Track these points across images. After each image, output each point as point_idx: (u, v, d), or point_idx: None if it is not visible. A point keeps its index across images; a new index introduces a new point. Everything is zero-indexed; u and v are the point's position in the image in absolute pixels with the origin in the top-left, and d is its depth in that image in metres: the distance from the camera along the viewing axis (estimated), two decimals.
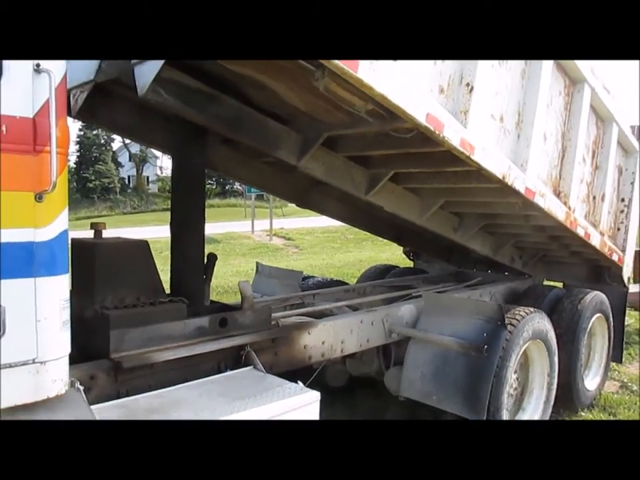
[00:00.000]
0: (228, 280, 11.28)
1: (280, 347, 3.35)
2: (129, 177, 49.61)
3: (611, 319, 5.37)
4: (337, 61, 2.25)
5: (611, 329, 5.40)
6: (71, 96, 2.53)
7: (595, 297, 5.09)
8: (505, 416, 3.78)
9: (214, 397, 2.61)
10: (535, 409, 4.27)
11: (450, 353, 3.80)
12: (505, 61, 3.40)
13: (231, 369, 3.01)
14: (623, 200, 5.27)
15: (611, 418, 4.83)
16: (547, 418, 4.35)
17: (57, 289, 1.90)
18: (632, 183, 5.22)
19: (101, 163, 42.33)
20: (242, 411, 2.47)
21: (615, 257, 5.22)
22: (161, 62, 2.39)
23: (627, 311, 8.04)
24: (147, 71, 2.45)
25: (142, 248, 3.06)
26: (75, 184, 40.68)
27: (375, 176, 4.13)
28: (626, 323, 7.93)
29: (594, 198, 4.76)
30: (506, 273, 5.98)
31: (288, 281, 5.13)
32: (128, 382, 2.64)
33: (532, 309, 4.17)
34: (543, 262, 5.98)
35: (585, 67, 4.02)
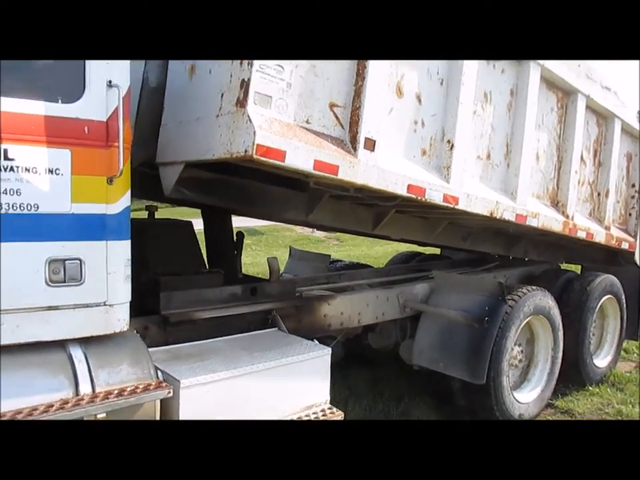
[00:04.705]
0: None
1: (303, 315, 3.89)
2: None
3: (623, 300, 5.65)
4: (317, 171, 2.71)
5: (623, 309, 5.67)
6: None
7: (605, 279, 5.39)
8: (505, 382, 4.20)
9: (242, 347, 3.18)
10: (539, 380, 4.66)
11: (456, 324, 4.25)
12: (489, 101, 3.71)
13: (259, 330, 3.58)
14: (633, 186, 5.52)
15: (618, 393, 5.13)
16: (551, 389, 4.73)
17: (122, 250, 2.51)
18: None
19: None
20: (264, 359, 3.02)
21: (624, 245, 5.48)
22: (182, 166, 2.85)
23: None
24: (170, 174, 2.94)
25: (187, 227, 3.68)
26: None
27: (380, 213, 4.39)
28: None
29: (598, 194, 5.05)
30: (526, 259, 6.31)
31: (317, 263, 5.69)
32: (174, 334, 3.24)
33: (535, 287, 4.55)
34: (560, 247, 6.27)
35: (575, 77, 4.28)
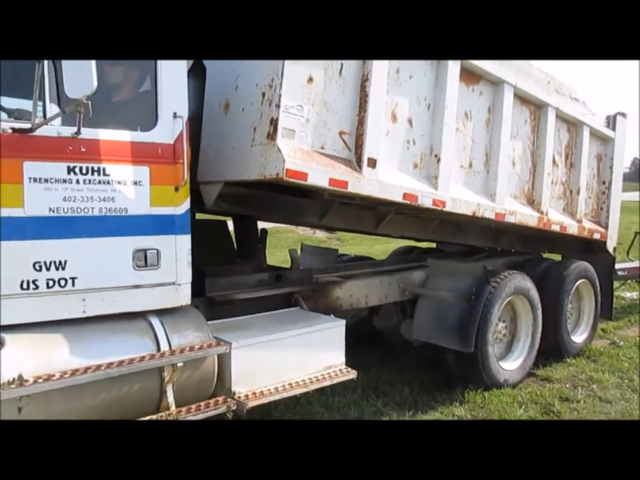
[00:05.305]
0: None
1: (319, 297, 4.65)
2: None
3: (597, 283, 6.39)
4: (331, 187, 3.38)
5: (597, 292, 6.41)
6: None
7: (579, 265, 6.14)
8: (491, 351, 4.96)
9: (273, 321, 3.95)
10: (521, 352, 5.41)
11: (448, 304, 5.01)
12: (469, 119, 4.43)
13: (284, 309, 4.33)
14: (604, 183, 6.29)
15: (592, 363, 5.88)
16: (533, 359, 5.47)
17: (185, 242, 3.28)
18: (611, 167, 6.24)
19: None
20: (292, 329, 3.77)
21: (596, 236, 6.25)
22: (221, 184, 3.49)
23: (634, 284, 9.01)
24: (211, 191, 3.61)
25: (222, 225, 4.43)
26: None
27: (380, 215, 5.00)
28: (635, 296, 8.98)
29: (571, 192, 5.82)
30: (512, 250, 7.05)
31: (326, 257, 6.43)
32: (218, 312, 3.98)
33: (515, 271, 5.30)
34: (542, 240, 7.01)
35: (546, 93, 5.03)
